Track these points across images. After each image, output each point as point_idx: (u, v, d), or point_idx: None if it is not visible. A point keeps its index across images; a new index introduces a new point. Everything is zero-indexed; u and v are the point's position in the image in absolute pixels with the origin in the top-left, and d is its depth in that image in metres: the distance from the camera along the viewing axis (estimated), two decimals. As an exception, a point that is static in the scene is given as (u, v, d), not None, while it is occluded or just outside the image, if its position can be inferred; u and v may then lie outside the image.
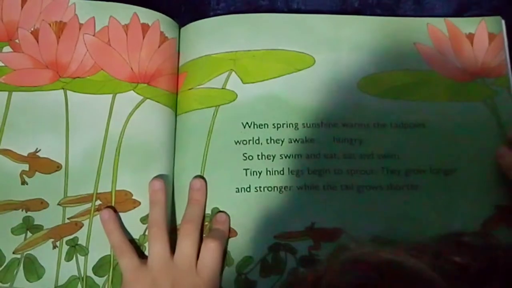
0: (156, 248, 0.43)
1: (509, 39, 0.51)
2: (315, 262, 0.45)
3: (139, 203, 0.46)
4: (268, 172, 0.47)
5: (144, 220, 0.46)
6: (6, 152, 0.46)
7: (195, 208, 0.45)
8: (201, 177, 0.47)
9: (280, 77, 0.49)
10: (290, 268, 0.45)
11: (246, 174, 0.47)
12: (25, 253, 0.44)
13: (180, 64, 0.51)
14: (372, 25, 0.51)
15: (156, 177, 0.46)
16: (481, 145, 0.48)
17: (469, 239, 0.30)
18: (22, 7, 0.49)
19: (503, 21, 0.51)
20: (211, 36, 0.50)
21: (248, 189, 0.46)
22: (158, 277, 0.43)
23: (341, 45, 0.50)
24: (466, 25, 0.51)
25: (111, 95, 0.48)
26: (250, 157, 0.47)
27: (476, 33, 0.51)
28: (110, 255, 0.45)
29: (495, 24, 0.51)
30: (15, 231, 0.45)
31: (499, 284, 0.25)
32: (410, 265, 0.26)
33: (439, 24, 0.51)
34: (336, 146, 0.48)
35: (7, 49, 0.48)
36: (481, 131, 0.49)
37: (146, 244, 0.45)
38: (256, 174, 0.47)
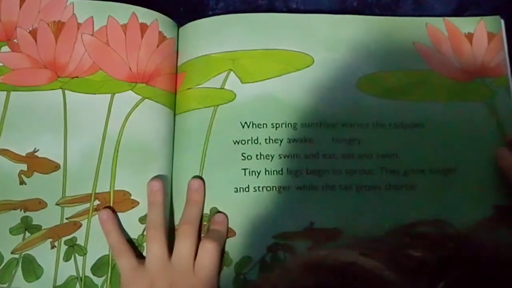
0: (154, 249, 0.43)
1: (508, 38, 0.51)
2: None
3: (138, 203, 0.46)
4: (267, 172, 0.47)
5: (142, 220, 0.46)
6: (5, 152, 0.46)
7: (193, 209, 0.45)
8: (200, 177, 0.47)
9: (279, 77, 0.49)
10: (288, 268, 0.45)
11: (245, 174, 0.47)
12: (23, 253, 0.44)
13: (178, 64, 0.51)
14: (371, 24, 0.51)
15: (154, 177, 0.46)
16: (480, 145, 0.48)
17: (423, 230, 0.30)
18: (20, 7, 0.49)
19: (502, 21, 0.51)
20: (210, 36, 0.50)
21: (246, 189, 0.46)
22: (155, 278, 0.43)
23: (340, 45, 0.50)
24: (465, 24, 0.51)
25: (109, 95, 0.48)
26: (249, 157, 0.47)
27: (475, 33, 0.51)
28: (108, 255, 0.45)
29: (494, 23, 0.51)
30: (13, 231, 0.45)
31: (459, 274, 0.24)
32: (366, 265, 0.26)
33: (438, 23, 0.51)
34: (335, 146, 0.48)
35: (5, 49, 0.48)
36: (480, 131, 0.49)
37: (145, 244, 0.45)
38: (255, 174, 0.47)
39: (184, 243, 0.44)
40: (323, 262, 0.27)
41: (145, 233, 0.45)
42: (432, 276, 0.24)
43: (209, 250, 0.43)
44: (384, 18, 0.52)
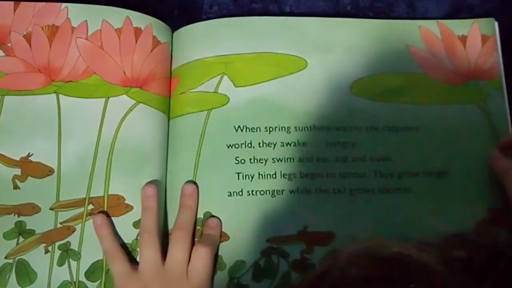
0: (147, 254, 0.43)
1: (501, 41, 0.51)
2: (308, 265, 0.45)
3: (132, 208, 0.46)
4: (261, 176, 0.47)
5: (136, 224, 0.46)
6: (-2, 157, 0.46)
7: (187, 214, 0.45)
8: (193, 182, 0.47)
9: (272, 81, 0.49)
10: (282, 272, 0.45)
11: (238, 178, 0.46)
12: (17, 258, 0.44)
13: (172, 68, 0.51)
14: (364, 27, 0.51)
15: (148, 182, 0.46)
16: (474, 148, 0.48)
17: (471, 237, 0.31)
18: (14, 11, 0.49)
19: (496, 23, 0.51)
20: (203, 40, 0.50)
21: (240, 193, 0.46)
22: (149, 283, 0.43)
23: (333, 48, 0.50)
24: (459, 27, 0.51)
25: (103, 99, 0.48)
26: (242, 161, 0.47)
27: (469, 35, 0.51)
28: (102, 260, 0.45)
29: (488, 26, 0.51)
30: (7, 235, 0.45)
31: (501, 274, 0.26)
32: (419, 258, 0.27)
33: (432, 26, 0.51)
34: (329, 150, 0.47)
35: (-1, 53, 0.49)
36: (474, 134, 0.49)
37: (139, 249, 0.45)
38: (248, 178, 0.46)
39: (177, 248, 0.44)
40: (375, 252, 0.28)
41: (139, 238, 0.45)
42: (477, 274, 0.26)
43: (202, 255, 0.43)
44: (378, 21, 0.52)
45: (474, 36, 0.51)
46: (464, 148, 0.48)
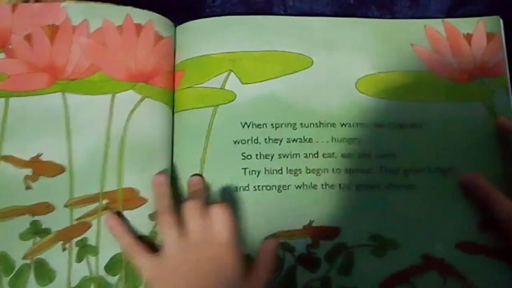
0: (169, 234, 0.43)
1: (506, 37, 0.51)
2: (313, 260, 0.46)
3: (146, 200, 0.47)
4: (267, 172, 0.48)
5: (152, 217, 0.46)
6: (8, 159, 0.46)
7: (196, 192, 0.46)
8: (199, 175, 0.47)
9: (278, 78, 0.49)
10: (288, 266, 0.46)
11: (245, 174, 0.47)
12: (35, 258, 0.45)
13: (176, 62, 0.51)
14: (369, 26, 0.51)
15: (158, 172, 0.47)
16: (479, 145, 0.49)
17: None
18: (13, 12, 0.49)
19: (501, 21, 0.51)
20: (210, 36, 0.50)
21: (247, 188, 0.47)
22: (178, 262, 0.42)
23: (339, 46, 0.50)
24: (465, 25, 0.51)
25: (110, 95, 0.48)
26: (249, 157, 0.48)
27: (474, 33, 0.51)
28: (121, 253, 0.45)
29: (493, 24, 0.51)
30: (23, 236, 0.45)
31: None
32: None
33: (437, 25, 0.51)
34: (334, 146, 0.48)
35: (1, 55, 0.48)
36: (479, 131, 0.49)
37: (156, 242, 0.46)
38: (255, 174, 0.47)
39: (193, 217, 0.43)
40: None
41: (156, 229, 0.46)
42: None
43: (216, 215, 0.43)
44: (382, 21, 0.52)
45: (480, 34, 0.51)
46: (469, 145, 0.49)
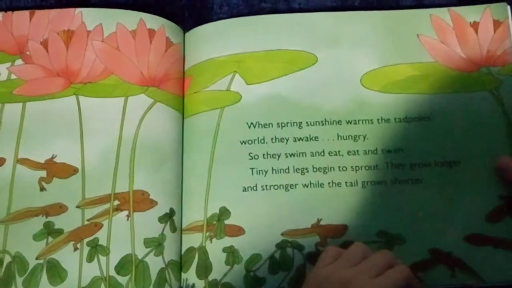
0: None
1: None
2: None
3: (156, 203, 0.47)
4: (274, 171, 0.48)
5: (161, 219, 0.47)
6: (24, 161, 0.48)
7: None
8: None
9: (283, 77, 0.50)
10: (297, 264, 0.46)
11: (252, 173, 0.48)
12: (47, 258, 0.46)
13: (185, 68, 0.52)
14: (373, 19, 0.51)
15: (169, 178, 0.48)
16: (486, 136, 0.48)
17: None
18: (30, 20, 0.51)
19: (508, 7, 0.50)
20: (215, 39, 0.51)
21: (254, 188, 0.47)
22: None
23: (342, 42, 0.50)
24: (471, 13, 0.50)
25: (123, 98, 0.49)
26: (256, 157, 0.48)
27: (481, 21, 0.50)
28: (131, 254, 0.46)
29: (500, 11, 0.50)
30: (36, 237, 0.46)
31: None
32: None
33: (443, 14, 0.50)
34: (340, 143, 0.48)
35: (19, 61, 0.50)
36: (486, 121, 0.48)
37: (165, 243, 0.46)
38: (262, 173, 0.48)
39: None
40: None
41: (165, 232, 0.46)
42: None
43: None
44: (387, 12, 0.51)
45: (486, 22, 0.50)
46: (476, 136, 0.48)
